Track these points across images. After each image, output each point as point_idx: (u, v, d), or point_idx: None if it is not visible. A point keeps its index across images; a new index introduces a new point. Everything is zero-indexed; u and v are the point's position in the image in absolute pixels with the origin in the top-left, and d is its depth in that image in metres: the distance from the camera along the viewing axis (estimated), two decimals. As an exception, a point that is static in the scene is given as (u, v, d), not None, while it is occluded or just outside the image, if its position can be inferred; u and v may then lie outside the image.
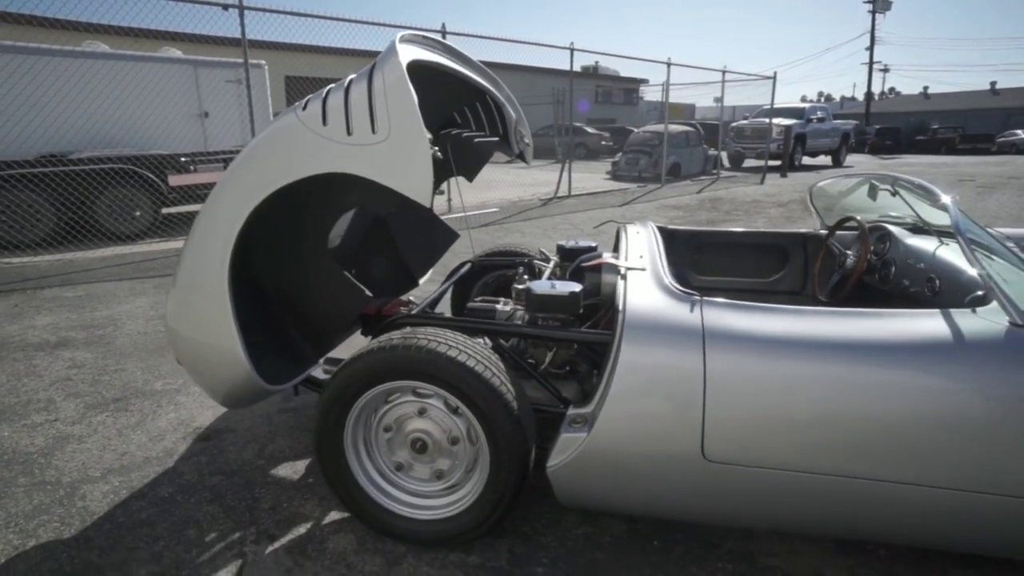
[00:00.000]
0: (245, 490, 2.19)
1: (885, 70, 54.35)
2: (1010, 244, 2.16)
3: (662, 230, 3.08)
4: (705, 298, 1.73)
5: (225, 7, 6.43)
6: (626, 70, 32.67)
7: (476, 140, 3.04)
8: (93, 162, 6.49)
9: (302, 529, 1.97)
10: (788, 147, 15.95)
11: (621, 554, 1.87)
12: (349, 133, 1.64)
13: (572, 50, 10.20)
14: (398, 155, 1.60)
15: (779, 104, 18.16)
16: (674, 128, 14.68)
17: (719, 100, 15.25)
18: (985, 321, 1.57)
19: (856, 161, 21.96)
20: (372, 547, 1.89)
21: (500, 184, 12.98)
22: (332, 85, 1.73)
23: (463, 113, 3.11)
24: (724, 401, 1.58)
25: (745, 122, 18.19)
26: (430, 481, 1.91)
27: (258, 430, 2.62)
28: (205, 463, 2.37)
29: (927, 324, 1.58)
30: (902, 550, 1.89)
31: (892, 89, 63.27)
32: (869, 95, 36.77)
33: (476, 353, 1.75)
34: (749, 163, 18.05)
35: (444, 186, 9.62)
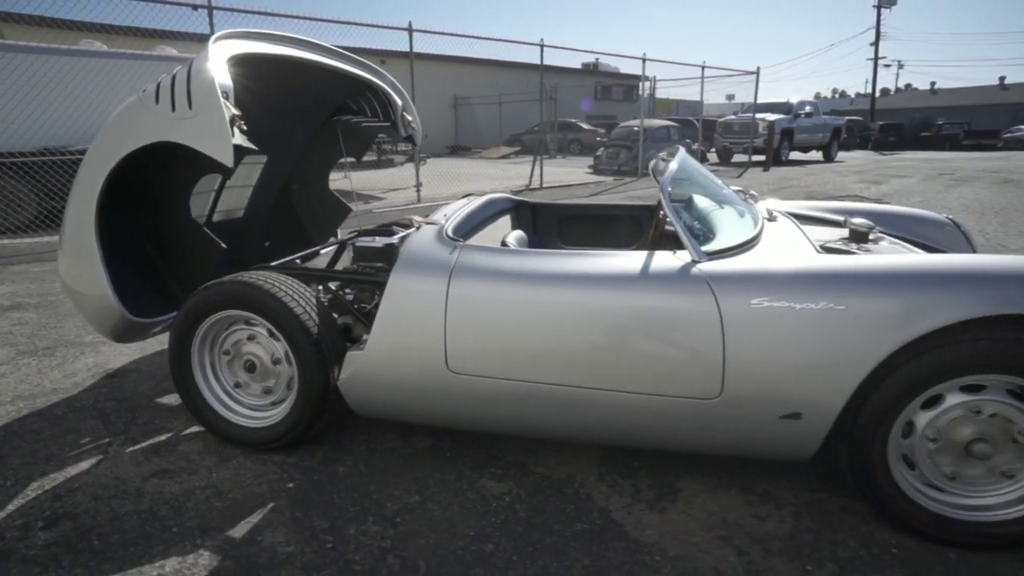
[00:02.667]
0: (128, 412, 2.62)
1: (900, 66, 53.95)
2: (746, 197, 2.51)
3: (525, 204, 3.47)
4: (465, 244, 2.12)
5: (195, 7, 6.91)
6: (626, 68, 32.85)
7: (363, 125, 3.46)
8: (76, 154, 6.99)
9: (162, 437, 2.40)
10: (771, 142, 16.15)
11: (415, 461, 2.27)
12: (173, 109, 2.07)
13: (542, 46, 10.57)
14: (205, 126, 2.02)
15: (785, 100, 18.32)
16: (656, 123, 14.97)
17: (731, 97, 15.49)
18: (676, 260, 1.94)
19: (851, 157, 21.97)
20: (213, 450, 2.31)
21: (479, 177, 13.39)
22: (165, 73, 2.16)
23: (358, 102, 3.53)
24: (461, 323, 1.97)
25: (733, 117, 18.38)
26: (261, 396, 2.33)
27: (161, 371, 3.06)
28: (104, 394, 2.81)
29: (631, 262, 1.95)
30: (648, 460, 2.25)
31: (908, 85, 62.45)
32: (874, 91, 36.59)
33: (287, 288, 2.16)
34: (738, 158, 18.23)
35: (420, 177, 10.02)
